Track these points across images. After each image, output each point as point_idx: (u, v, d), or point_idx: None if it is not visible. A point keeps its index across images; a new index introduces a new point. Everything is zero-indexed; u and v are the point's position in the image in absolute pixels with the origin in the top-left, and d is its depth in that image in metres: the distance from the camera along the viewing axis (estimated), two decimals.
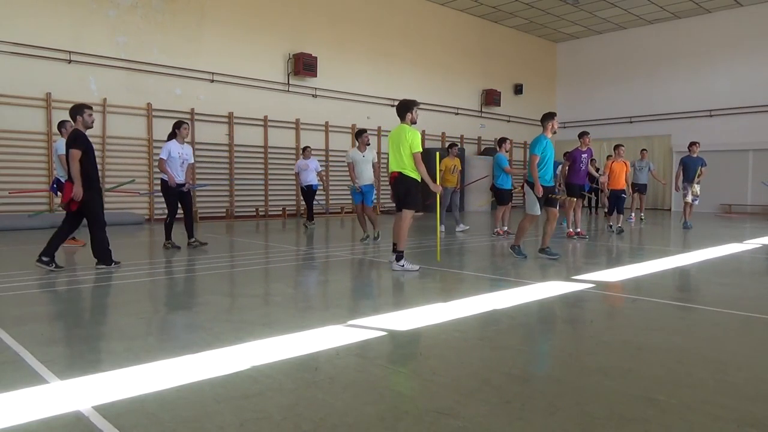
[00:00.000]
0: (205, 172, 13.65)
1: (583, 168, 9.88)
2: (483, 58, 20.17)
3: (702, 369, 3.05)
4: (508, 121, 21.15)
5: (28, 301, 4.78)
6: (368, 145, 8.98)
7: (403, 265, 6.14)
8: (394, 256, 6.23)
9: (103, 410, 2.36)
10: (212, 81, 13.68)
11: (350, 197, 16.53)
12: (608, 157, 11.58)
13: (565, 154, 12.21)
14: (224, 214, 13.96)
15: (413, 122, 6.32)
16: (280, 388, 2.65)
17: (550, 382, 2.80)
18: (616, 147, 11.21)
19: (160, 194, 8.36)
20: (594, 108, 22.13)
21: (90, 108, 6.22)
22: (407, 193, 6.23)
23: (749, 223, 14.17)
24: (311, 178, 11.71)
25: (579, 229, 10.10)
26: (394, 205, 6.48)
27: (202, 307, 4.52)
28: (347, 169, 9.18)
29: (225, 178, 14.05)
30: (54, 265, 5.90)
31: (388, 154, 6.50)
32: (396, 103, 17.21)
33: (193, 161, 8.28)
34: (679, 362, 3.17)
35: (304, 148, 12.00)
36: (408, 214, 6.24)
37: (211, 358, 3.07)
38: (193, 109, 13.37)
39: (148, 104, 12.70)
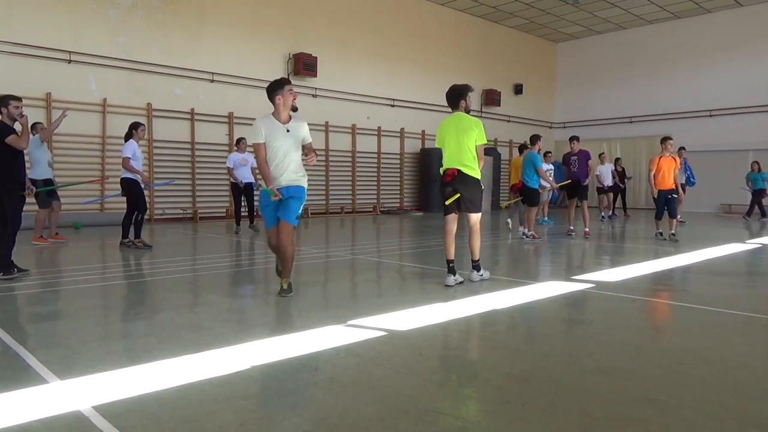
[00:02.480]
0: (205, 172, 13.66)
1: (575, 169, 9.93)
2: (483, 58, 20.17)
3: (702, 369, 3.05)
4: (508, 121, 21.14)
5: (28, 301, 4.78)
6: (296, 110, 4.85)
7: (482, 275, 5.48)
8: (447, 273, 5.36)
9: (103, 410, 2.36)
10: (212, 81, 13.68)
11: (346, 199, 16.72)
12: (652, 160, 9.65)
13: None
14: (224, 214, 13.95)
15: (467, 110, 5.50)
16: (280, 388, 2.65)
17: (550, 382, 2.79)
18: (664, 140, 9.54)
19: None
20: (594, 108, 22.13)
21: (18, 99, 5.74)
22: (472, 194, 5.35)
23: (749, 222, 14.16)
24: (249, 175, 10.40)
25: (571, 228, 10.05)
26: (445, 206, 5.46)
27: (202, 307, 4.52)
28: (254, 154, 4.89)
29: (225, 177, 14.03)
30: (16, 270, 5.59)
31: (441, 147, 5.55)
32: (395, 102, 17.46)
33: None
34: (679, 362, 3.17)
35: (239, 140, 10.67)
36: (477, 219, 5.43)
37: (211, 358, 3.07)
38: (193, 109, 13.37)
39: (148, 104, 12.69)
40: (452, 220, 5.45)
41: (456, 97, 5.48)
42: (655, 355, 3.30)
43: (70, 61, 11.63)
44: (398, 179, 17.93)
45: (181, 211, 13.32)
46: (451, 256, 5.38)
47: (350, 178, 16.63)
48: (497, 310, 4.39)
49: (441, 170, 5.48)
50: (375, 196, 17.25)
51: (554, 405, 2.47)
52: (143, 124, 8.28)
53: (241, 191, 10.47)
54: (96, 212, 11.87)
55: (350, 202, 16.59)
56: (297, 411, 2.39)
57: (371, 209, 16.96)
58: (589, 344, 3.56)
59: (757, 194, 14.39)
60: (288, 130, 4.72)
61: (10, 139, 5.46)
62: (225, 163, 13.90)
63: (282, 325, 3.81)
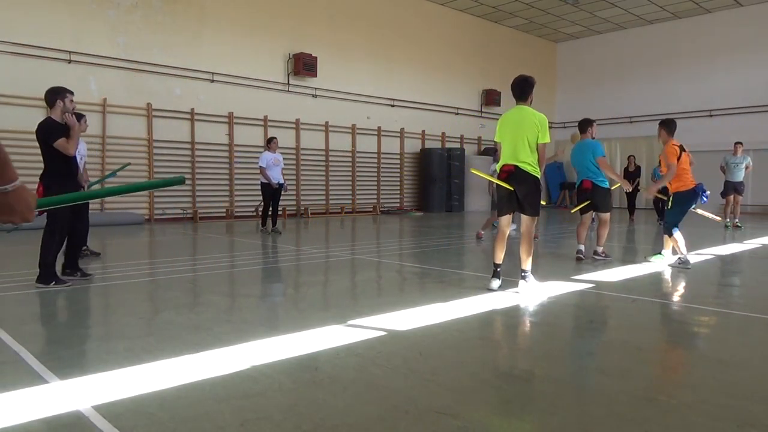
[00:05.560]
0: (205, 172, 13.66)
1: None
2: (483, 58, 20.17)
3: (702, 369, 3.05)
4: None
5: (28, 301, 4.77)
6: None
7: (528, 283, 4.98)
8: (492, 277, 5.06)
9: (103, 410, 2.36)
10: (212, 81, 13.68)
11: (346, 199, 16.75)
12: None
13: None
14: (224, 214, 13.96)
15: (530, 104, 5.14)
16: (280, 388, 2.65)
17: (550, 382, 2.79)
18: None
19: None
20: (594, 108, 22.10)
21: (72, 93, 5.34)
22: (530, 195, 4.95)
23: (749, 223, 14.16)
24: (280, 175, 10.33)
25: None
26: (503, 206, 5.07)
27: (202, 307, 4.52)
28: None
29: (225, 177, 14.05)
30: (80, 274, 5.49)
31: (500, 141, 5.12)
32: (395, 102, 17.47)
33: (86, 158, 7.29)
34: (679, 362, 3.17)
35: (270, 140, 10.53)
36: (531, 223, 5.03)
37: (211, 358, 3.07)
38: (193, 109, 13.37)
39: (148, 104, 12.69)
40: (507, 223, 5.13)
41: (528, 87, 5.05)
42: (655, 355, 3.30)
43: (70, 61, 11.63)
44: (398, 179, 17.93)
45: (181, 211, 13.33)
46: (500, 260, 5.10)
47: (350, 178, 16.63)
48: (497, 310, 4.39)
49: (497, 167, 5.14)
50: (375, 196, 17.25)
51: (554, 405, 2.47)
52: (84, 115, 6.61)
53: (273, 192, 10.26)
54: (95, 212, 11.87)
55: (350, 202, 16.59)
56: (297, 411, 2.39)
57: (371, 209, 16.96)
58: (589, 344, 3.56)
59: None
60: None
61: (59, 144, 5.02)
62: (225, 163, 14.03)
63: (282, 325, 3.81)
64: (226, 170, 14.06)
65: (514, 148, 4.94)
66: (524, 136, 4.91)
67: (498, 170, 5.14)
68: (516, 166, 4.92)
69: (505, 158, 5.01)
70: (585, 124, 7.27)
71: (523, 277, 5.00)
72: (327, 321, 3.89)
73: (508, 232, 5.19)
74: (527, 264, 5.01)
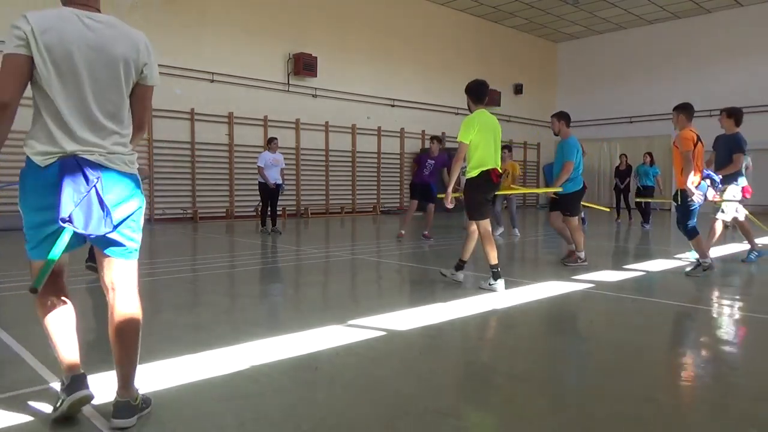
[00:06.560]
0: (205, 172, 13.66)
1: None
2: (483, 58, 20.16)
3: (702, 369, 3.05)
4: (508, 121, 21.13)
5: (28, 301, 4.78)
6: None
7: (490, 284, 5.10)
8: (496, 279, 5.06)
9: (103, 410, 2.36)
10: (212, 81, 13.68)
11: (346, 199, 16.75)
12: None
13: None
14: (224, 214, 13.96)
15: None
16: (280, 388, 2.65)
17: (550, 382, 2.80)
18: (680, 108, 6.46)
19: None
20: (594, 108, 22.11)
21: None
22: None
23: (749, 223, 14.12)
24: (278, 176, 10.35)
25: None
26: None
27: (202, 307, 4.53)
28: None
29: (225, 177, 14.05)
30: None
31: (469, 142, 5.04)
32: (395, 102, 17.46)
33: None
34: (679, 362, 3.17)
35: (271, 140, 10.61)
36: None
37: (211, 358, 3.07)
38: (193, 109, 13.37)
39: None
40: (489, 223, 5.28)
41: (488, 90, 5.23)
42: (655, 355, 3.30)
43: None
44: (398, 179, 17.93)
45: (181, 211, 13.33)
46: (496, 260, 5.07)
47: (350, 178, 16.63)
48: (497, 310, 4.39)
49: (478, 171, 5.07)
50: (375, 196, 17.26)
51: (554, 405, 2.48)
52: None
53: (270, 192, 10.31)
54: None
55: (350, 202, 16.59)
56: (297, 411, 2.39)
57: (371, 209, 16.96)
58: (589, 344, 3.56)
59: (646, 192, 12.97)
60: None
61: None
62: (225, 163, 14.02)
63: (282, 325, 3.81)
64: (226, 170, 14.06)
65: (496, 152, 5.16)
66: (499, 140, 5.20)
67: (479, 173, 5.08)
68: (500, 172, 5.21)
69: (492, 162, 5.09)
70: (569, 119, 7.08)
71: (498, 274, 5.05)
72: (327, 321, 3.89)
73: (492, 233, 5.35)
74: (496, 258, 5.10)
